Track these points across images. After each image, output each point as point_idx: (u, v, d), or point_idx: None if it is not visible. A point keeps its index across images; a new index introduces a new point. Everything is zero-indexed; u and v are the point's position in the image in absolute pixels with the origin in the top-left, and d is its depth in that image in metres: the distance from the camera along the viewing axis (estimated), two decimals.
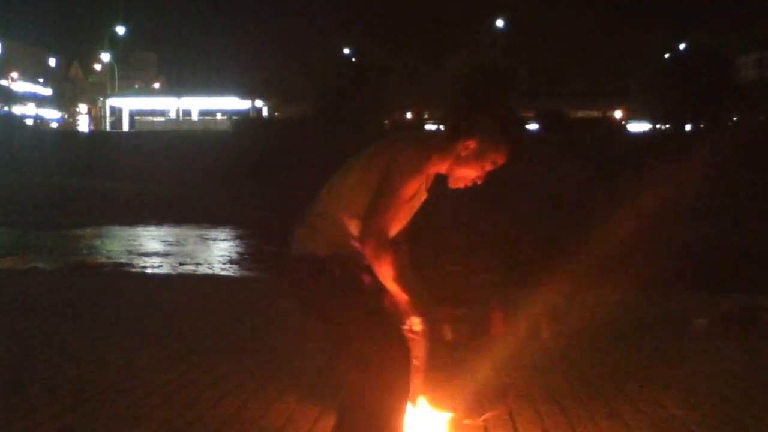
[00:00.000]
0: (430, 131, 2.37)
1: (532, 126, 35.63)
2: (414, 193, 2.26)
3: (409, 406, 2.29)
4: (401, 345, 2.22)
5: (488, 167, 2.29)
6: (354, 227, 2.25)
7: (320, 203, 2.33)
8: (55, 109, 60.03)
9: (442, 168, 2.31)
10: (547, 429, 3.17)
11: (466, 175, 2.30)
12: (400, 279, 2.23)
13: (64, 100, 64.83)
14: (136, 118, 49.45)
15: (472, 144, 2.26)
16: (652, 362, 4.40)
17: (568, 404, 3.49)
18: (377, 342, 2.18)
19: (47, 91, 63.04)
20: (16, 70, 58.52)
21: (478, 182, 2.31)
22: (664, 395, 3.65)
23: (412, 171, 2.20)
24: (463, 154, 2.26)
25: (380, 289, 2.28)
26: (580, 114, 44.91)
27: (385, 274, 2.21)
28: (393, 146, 2.28)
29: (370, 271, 2.25)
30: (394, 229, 2.29)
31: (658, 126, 38.04)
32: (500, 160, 2.28)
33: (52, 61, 70.62)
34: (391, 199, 2.18)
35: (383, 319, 2.25)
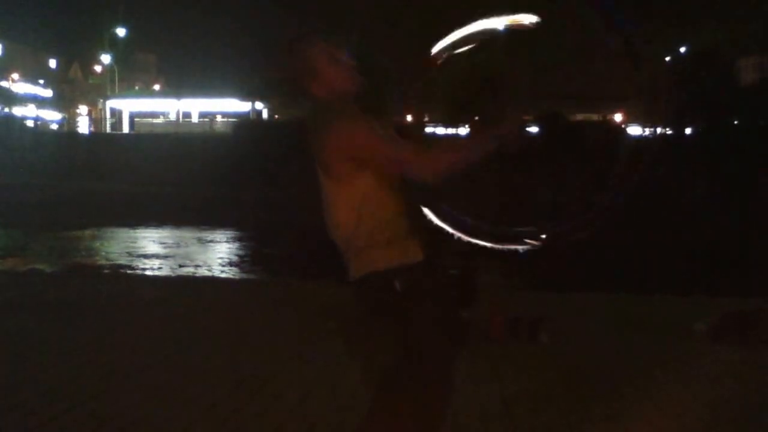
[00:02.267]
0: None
1: (532, 129, 35.61)
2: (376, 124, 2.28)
3: None
4: (447, 382, 2.27)
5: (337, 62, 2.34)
6: (369, 236, 2.24)
7: (340, 241, 2.31)
8: (55, 110, 60.04)
9: (338, 83, 2.34)
10: (547, 429, 3.18)
11: (338, 76, 2.34)
12: (453, 154, 2.20)
13: (64, 101, 64.83)
14: (136, 119, 49.47)
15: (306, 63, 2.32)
16: (651, 365, 4.39)
17: (567, 406, 3.50)
18: (426, 372, 2.21)
19: (47, 93, 63.02)
20: (16, 72, 58.53)
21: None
22: (664, 398, 3.65)
23: (351, 120, 2.21)
24: (317, 65, 2.31)
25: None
26: (580, 117, 44.89)
27: (452, 159, 2.18)
28: (326, 143, 2.23)
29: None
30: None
31: (660, 130, 38.04)
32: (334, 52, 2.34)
33: (52, 63, 70.63)
34: (382, 142, 2.18)
35: (443, 347, 2.25)
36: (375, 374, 2.36)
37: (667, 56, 39.05)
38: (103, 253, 15.49)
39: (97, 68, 66.63)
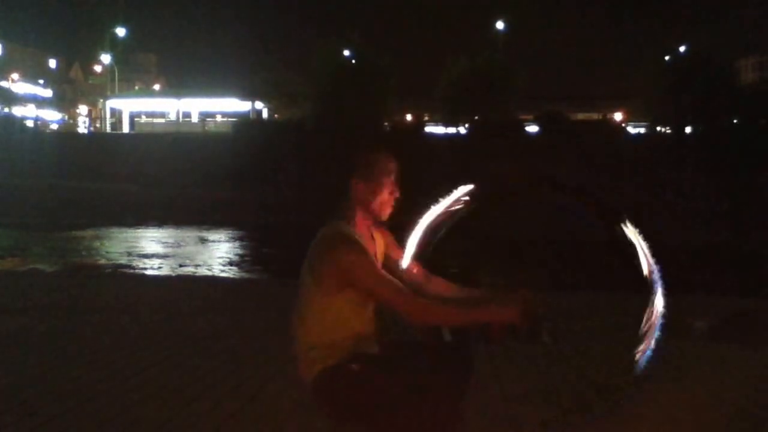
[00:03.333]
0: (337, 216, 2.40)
1: (532, 128, 35.62)
2: (380, 250, 2.47)
3: None
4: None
5: (385, 188, 2.41)
6: (327, 335, 2.34)
7: (301, 337, 2.43)
8: (55, 110, 60.04)
9: (365, 218, 2.43)
10: (547, 429, 3.18)
11: (379, 204, 2.42)
12: (453, 309, 2.30)
13: (64, 101, 64.86)
14: (136, 119, 49.44)
15: (355, 186, 2.41)
16: (651, 364, 4.39)
17: (567, 406, 3.50)
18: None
19: (47, 93, 63.02)
20: (16, 72, 58.52)
21: (396, 196, 2.43)
22: (664, 397, 3.66)
23: (359, 253, 2.29)
24: (360, 197, 2.41)
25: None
26: (580, 116, 44.92)
27: (442, 316, 2.30)
28: (325, 257, 2.31)
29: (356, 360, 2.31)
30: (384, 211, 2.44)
31: (658, 129, 38.08)
32: (385, 176, 2.41)
33: (52, 63, 70.63)
34: (379, 281, 2.27)
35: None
36: None
37: (666, 56, 39.10)
38: (104, 253, 15.50)
39: (97, 68, 66.65)
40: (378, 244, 2.49)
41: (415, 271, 2.47)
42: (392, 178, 2.41)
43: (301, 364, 2.40)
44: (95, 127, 53.56)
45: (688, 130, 35.63)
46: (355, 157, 2.44)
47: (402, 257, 2.45)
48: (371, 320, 2.41)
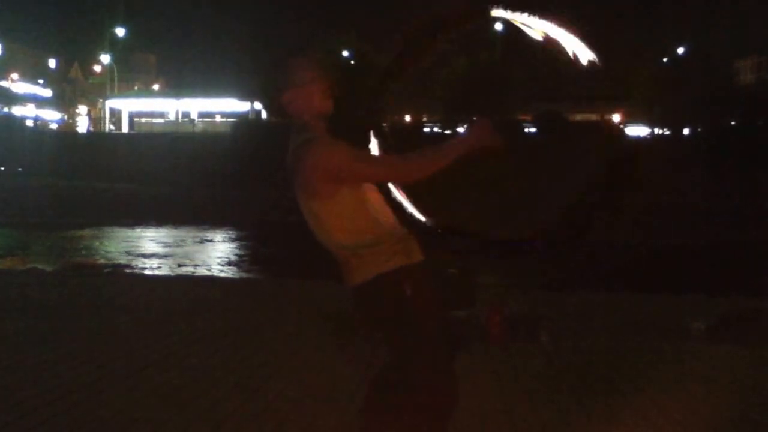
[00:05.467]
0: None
1: (531, 129, 35.65)
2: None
3: None
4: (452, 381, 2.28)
5: (316, 84, 2.35)
6: (361, 237, 2.27)
7: (338, 250, 2.33)
8: (54, 110, 59.99)
9: (321, 123, 2.36)
10: (547, 429, 3.18)
11: (320, 100, 2.35)
12: (427, 157, 2.26)
13: (63, 101, 64.81)
14: (135, 119, 49.42)
15: (293, 100, 2.36)
16: (651, 364, 4.40)
17: (567, 406, 3.50)
18: (432, 371, 2.23)
19: (47, 93, 62.95)
20: (16, 72, 58.48)
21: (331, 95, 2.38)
22: (663, 397, 3.66)
23: (332, 148, 2.25)
24: (301, 106, 2.35)
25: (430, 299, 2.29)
26: (578, 117, 44.91)
27: (427, 165, 2.25)
28: (307, 169, 2.26)
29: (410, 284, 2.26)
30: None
31: (657, 131, 38.09)
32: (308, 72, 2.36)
33: (52, 63, 70.55)
34: (357, 163, 2.24)
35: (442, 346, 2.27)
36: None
37: (664, 57, 39.11)
38: (103, 253, 15.49)
39: (97, 68, 66.62)
40: None
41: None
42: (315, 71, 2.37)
43: (352, 270, 2.29)
44: (95, 126, 53.50)
45: (686, 131, 35.63)
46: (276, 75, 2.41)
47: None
48: (389, 213, 2.33)
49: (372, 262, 2.25)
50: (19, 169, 32.80)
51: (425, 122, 41.65)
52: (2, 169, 32.72)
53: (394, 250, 2.26)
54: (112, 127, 50.31)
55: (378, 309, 2.29)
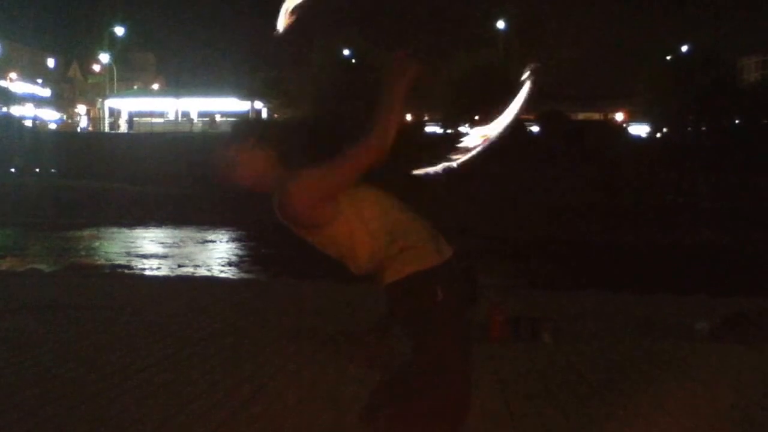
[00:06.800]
0: None
1: (533, 128, 35.64)
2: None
3: None
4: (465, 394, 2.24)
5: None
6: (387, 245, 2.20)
7: (368, 265, 2.26)
8: (53, 110, 59.94)
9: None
10: (547, 429, 3.17)
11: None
12: (380, 125, 2.16)
13: (62, 101, 64.75)
14: (135, 119, 49.39)
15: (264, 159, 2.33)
16: (653, 364, 4.40)
17: (568, 406, 3.49)
18: (449, 381, 2.18)
19: (46, 92, 62.89)
20: (14, 71, 58.41)
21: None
22: (664, 397, 3.65)
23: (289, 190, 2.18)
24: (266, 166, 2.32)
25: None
26: (581, 116, 44.90)
27: (377, 131, 2.15)
28: (288, 215, 2.22)
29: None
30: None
31: (660, 129, 38.04)
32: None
33: (50, 62, 70.46)
34: (318, 166, 2.17)
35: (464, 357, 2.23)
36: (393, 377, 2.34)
37: (668, 55, 39.06)
38: (102, 253, 15.49)
39: (96, 67, 66.51)
40: None
41: None
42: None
43: (384, 272, 2.21)
44: (93, 126, 53.48)
45: (689, 129, 35.59)
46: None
47: None
48: (403, 209, 2.25)
49: (407, 260, 2.18)
50: (12, 170, 32.79)
51: (426, 121, 41.63)
52: (12, 171, 32.69)
53: (425, 250, 2.19)
54: (120, 125, 50.31)
55: (408, 309, 2.23)
